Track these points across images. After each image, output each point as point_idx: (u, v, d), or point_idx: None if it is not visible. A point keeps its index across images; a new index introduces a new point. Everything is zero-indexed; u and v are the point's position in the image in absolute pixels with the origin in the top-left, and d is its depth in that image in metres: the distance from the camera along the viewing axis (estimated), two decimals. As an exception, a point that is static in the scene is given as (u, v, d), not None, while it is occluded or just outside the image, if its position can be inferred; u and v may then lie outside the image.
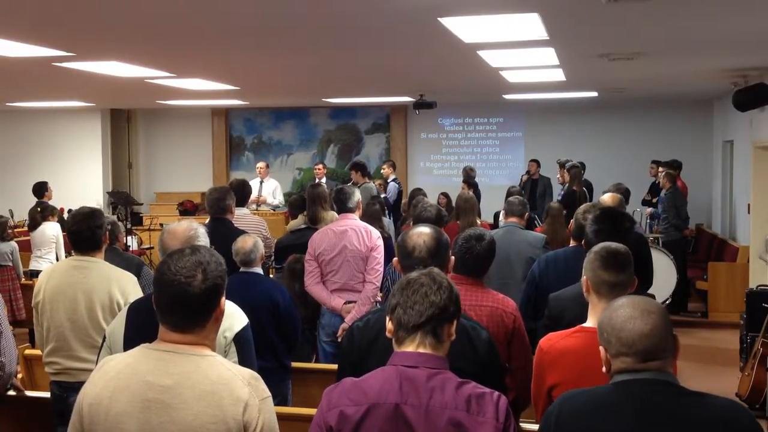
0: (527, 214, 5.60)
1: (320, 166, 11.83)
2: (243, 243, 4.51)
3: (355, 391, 2.12)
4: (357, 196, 5.30)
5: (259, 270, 4.56)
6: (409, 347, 2.13)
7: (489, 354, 2.68)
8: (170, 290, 2.06)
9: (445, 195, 10.42)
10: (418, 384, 2.07)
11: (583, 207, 4.47)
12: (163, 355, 2.06)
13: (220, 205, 5.28)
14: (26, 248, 8.77)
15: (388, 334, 2.18)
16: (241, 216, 5.78)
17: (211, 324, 2.12)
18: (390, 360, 2.14)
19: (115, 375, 2.07)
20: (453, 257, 3.04)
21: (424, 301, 2.12)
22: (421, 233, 2.86)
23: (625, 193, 6.12)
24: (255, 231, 5.35)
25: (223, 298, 2.16)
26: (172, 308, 2.08)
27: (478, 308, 3.22)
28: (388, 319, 2.18)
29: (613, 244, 2.91)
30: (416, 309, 2.12)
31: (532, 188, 11.67)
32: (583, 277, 2.88)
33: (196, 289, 2.05)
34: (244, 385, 2.04)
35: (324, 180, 11.27)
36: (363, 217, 5.47)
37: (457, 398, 2.05)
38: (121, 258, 4.56)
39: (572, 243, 4.43)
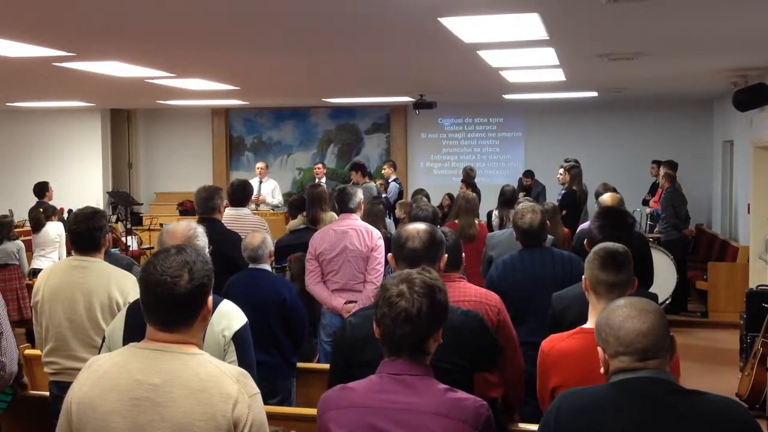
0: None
1: (320, 165, 11.87)
2: (252, 239, 4.52)
3: (342, 396, 2.20)
4: (359, 196, 5.31)
5: (267, 266, 4.57)
6: (395, 359, 2.20)
7: (482, 337, 2.80)
8: (157, 290, 2.06)
9: (450, 196, 10.43)
10: (400, 391, 2.13)
11: (521, 208, 4.44)
12: (152, 353, 2.07)
13: (208, 205, 5.19)
14: (27, 248, 8.76)
15: (376, 335, 2.24)
16: (242, 216, 5.79)
17: (199, 323, 2.13)
18: (378, 369, 2.21)
19: (103, 374, 2.08)
20: (446, 255, 3.05)
21: (405, 326, 2.15)
22: (417, 227, 2.97)
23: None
24: (256, 231, 5.34)
25: (210, 297, 2.16)
26: (159, 308, 2.08)
27: (463, 303, 3.22)
28: (375, 323, 2.24)
29: (612, 244, 2.93)
30: (398, 333, 2.16)
31: (527, 193, 11.63)
32: (583, 277, 2.89)
33: (183, 288, 2.06)
34: (233, 382, 2.04)
35: (324, 180, 11.27)
36: (366, 218, 5.47)
37: (438, 403, 2.11)
38: (109, 258, 4.50)
39: (520, 247, 4.46)
